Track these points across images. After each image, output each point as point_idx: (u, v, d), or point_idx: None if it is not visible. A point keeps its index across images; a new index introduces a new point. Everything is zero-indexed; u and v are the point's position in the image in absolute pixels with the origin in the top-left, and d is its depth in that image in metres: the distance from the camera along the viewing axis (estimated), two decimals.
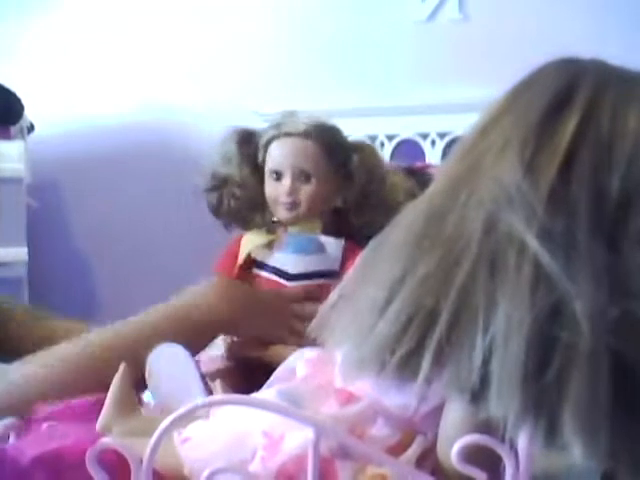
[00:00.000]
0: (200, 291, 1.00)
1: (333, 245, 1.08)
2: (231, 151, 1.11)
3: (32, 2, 2.32)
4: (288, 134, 1.09)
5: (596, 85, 0.54)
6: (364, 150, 1.13)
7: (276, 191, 1.08)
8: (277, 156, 1.09)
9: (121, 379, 0.82)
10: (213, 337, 0.99)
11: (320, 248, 1.07)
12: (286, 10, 2.21)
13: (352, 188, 1.10)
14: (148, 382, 0.85)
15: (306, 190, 1.08)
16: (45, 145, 2.23)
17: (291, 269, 1.06)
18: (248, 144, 1.12)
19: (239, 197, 1.10)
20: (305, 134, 1.09)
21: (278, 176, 1.09)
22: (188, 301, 0.98)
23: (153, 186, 2.28)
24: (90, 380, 0.86)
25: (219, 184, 1.11)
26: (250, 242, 1.08)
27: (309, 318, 0.96)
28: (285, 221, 1.09)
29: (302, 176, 1.08)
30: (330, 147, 1.09)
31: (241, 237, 1.11)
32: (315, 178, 1.08)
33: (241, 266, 1.08)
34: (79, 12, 2.31)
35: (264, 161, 1.11)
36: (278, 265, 1.07)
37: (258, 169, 1.11)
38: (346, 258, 1.06)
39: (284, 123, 1.10)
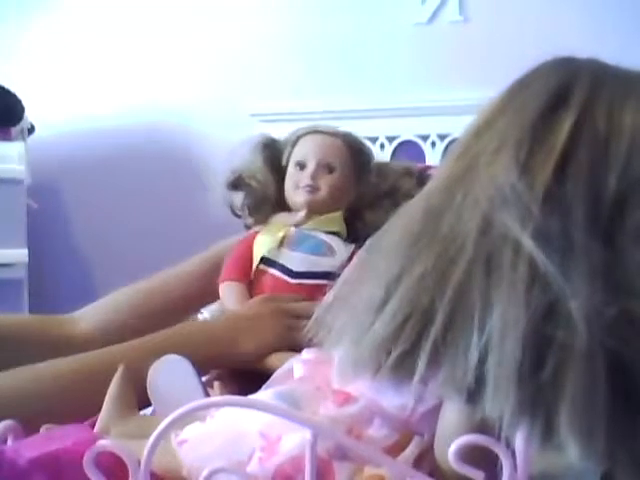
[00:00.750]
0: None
1: (343, 249, 1.08)
2: (254, 153, 1.15)
3: (32, 2, 2.32)
4: (318, 131, 1.15)
5: (591, 84, 0.54)
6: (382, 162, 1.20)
7: (298, 177, 1.12)
8: (303, 148, 1.13)
9: (119, 380, 0.81)
10: (216, 360, 0.97)
11: (330, 251, 1.08)
12: (286, 12, 2.21)
13: (368, 186, 1.14)
14: (149, 394, 0.85)
15: (327, 179, 1.11)
16: (45, 146, 2.23)
17: (296, 267, 1.06)
18: (271, 148, 1.16)
19: (257, 190, 1.12)
20: (334, 133, 1.15)
21: (302, 167, 1.12)
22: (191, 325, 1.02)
23: (153, 187, 2.28)
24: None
25: (239, 182, 1.14)
26: (263, 246, 1.09)
27: (303, 316, 0.98)
28: (304, 205, 1.10)
29: (326, 168, 1.11)
30: (356, 149, 1.15)
31: (249, 240, 1.11)
32: (338, 171, 1.11)
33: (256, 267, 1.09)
34: (79, 13, 2.31)
35: (288, 161, 1.14)
36: (284, 262, 1.07)
37: (279, 171, 1.14)
38: (349, 263, 1.07)
39: (313, 126, 1.15)
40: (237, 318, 1.01)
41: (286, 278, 1.06)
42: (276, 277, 1.07)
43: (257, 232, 1.12)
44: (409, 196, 1.11)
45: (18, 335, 1.08)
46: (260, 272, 1.08)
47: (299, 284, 1.06)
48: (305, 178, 1.10)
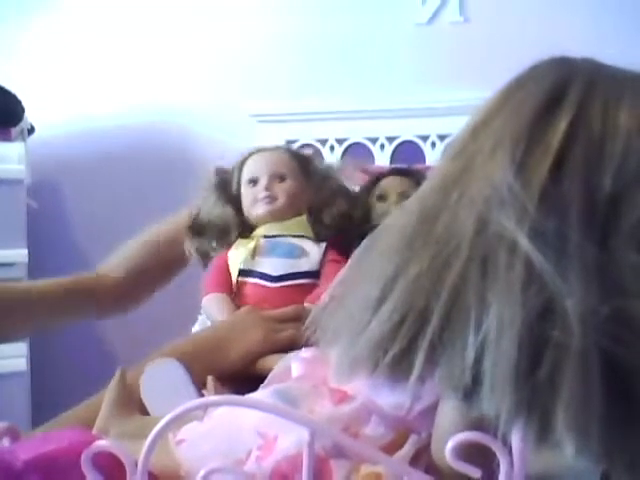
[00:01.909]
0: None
1: (315, 249, 1.10)
2: (208, 190, 1.20)
3: (32, 2, 2.32)
4: (260, 150, 1.20)
5: (587, 84, 0.54)
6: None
7: (253, 193, 1.15)
8: (252, 166, 1.18)
9: (118, 382, 0.82)
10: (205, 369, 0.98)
11: (303, 252, 1.10)
12: (286, 12, 2.21)
13: (321, 187, 1.18)
14: (143, 398, 0.85)
15: (281, 187, 1.15)
16: (45, 146, 2.23)
17: (274, 271, 1.08)
18: (222, 179, 1.21)
19: (218, 224, 1.17)
20: (277, 148, 1.23)
21: (254, 182, 1.16)
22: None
23: (153, 188, 2.28)
24: None
25: (198, 223, 1.19)
26: (237, 258, 1.11)
27: (285, 320, 1.00)
28: (266, 216, 1.14)
29: (277, 177, 1.16)
30: (300, 156, 1.21)
31: (223, 256, 1.13)
32: (289, 178, 1.16)
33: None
34: (79, 13, 2.31)
35: (239, 185, 1.18)
36: (262, 269, 1.08)
37: (235, 198, 1.18)
38: (325, 259, 1.10)
39: (255, 148, 1.22)
40: (221, 327, 1.03)
41: (266, 283, 1.08)
42: (256, 284, 1.08)
43: (225, 252, 1.14)
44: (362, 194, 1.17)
45: (61, 302, 1.20)
46: (240, 284, 1.09)
47: (280, 287, 1.07)
48: (260, 191, 1.14)
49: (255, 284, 1.08)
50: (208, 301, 1.10)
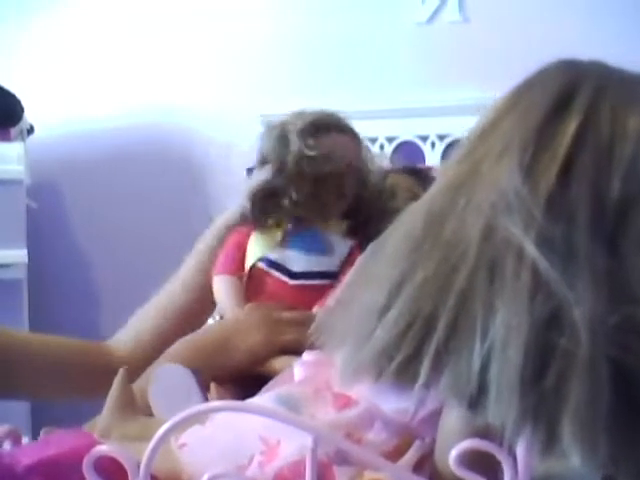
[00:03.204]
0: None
1: (342, 246, 1.08)
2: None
3: (32, 2, 2.32)
4: (342, 130, 1.13)
5: (596, 88, 0.53)
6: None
7: None
8: (331, 146, 1.09)
9: (120, 383, 0.81)
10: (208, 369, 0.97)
11: (329, 249, 1.07)
12: (287, 12, 2.21)
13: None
14: (150, 403, 0.85)
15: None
16: (45, 147, 2.23)
17: (295, 267, 1.06)
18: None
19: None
20: (354, 134, 1.15)
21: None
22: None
23: (153, 188, 2.27)
24: None
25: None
26: (261, 244, 1.08)
27: (291, 323, 0.99)
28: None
29: None
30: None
31: (241, 236, 1.10)
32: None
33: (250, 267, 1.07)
34: (79, 13, 2.31)
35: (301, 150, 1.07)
36: (283, 262, 1.06)
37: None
38: (347, 260, 1.07)
39: (330, 116, 1.13)
40: (225, 327, 1.03)
41: (286, 279, 1.05)
42: (276, 279, 1.06)
43: (248, 228, 1.11)
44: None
45: (63, 362, 1.10)
46: (259, 271, 1.07)
47: (298, 285, 1.05)
48: None
49: (275, 278, 1.06)
50: (218, 284, 1.08)
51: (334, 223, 1.10)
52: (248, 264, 1.07)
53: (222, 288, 1.07)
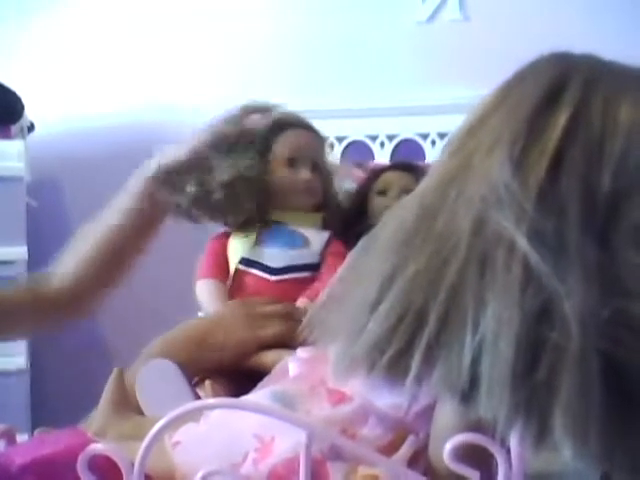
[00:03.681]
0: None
1: (317, 238, 1.09)
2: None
3: (32, 2, 2.32)
4: (305, 127, 1.15)
5: (587, 80, 0.53)
6: None
7: (295, 178, 1.11)
8: (294, 143, 1.13)
9: (115, 382, 0.81)
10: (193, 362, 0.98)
11: (305, 242, 1.08)
12: (287, 11, 2.20)
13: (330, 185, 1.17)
14: (139, 399, 0.85)
15: (316, 177, 1.13)
16: (45, 144, 2.23)
17: (274, 263, 1.06)
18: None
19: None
20: (315, 131, 1.17)
21: (293, 165, 1.12)
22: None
23: None
24: None
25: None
26: (240, 247, 1.09)
27: (273, 316, 0.99)
28: (304, 208, 1.11)
29: (313, 165, 1.13)
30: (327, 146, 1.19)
31: (222, 240, 1.12)
32: (321, 167, 1.14)
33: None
34: (79, 12, 2.31)
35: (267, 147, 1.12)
36: (262, 260, 1.07)
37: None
38: (326, 251, 1.08)
39: (290, 115, 1.15)
40: (207, 322, 1.02)
41: (267, 276, 1.07)
42: (257, 277, 1.07)
43: (227, 233, 1.12)
44: None
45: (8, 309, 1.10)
46: (241, 273, 1.08)
47: (280, 280, 1.06)
48: (303, 182, 1.12)
49: (256, 276, 1.07)
50: (201, 287, 1.09)
51: (308, 216, 1.11)
52: (232, 269, 1.08)
53: (205, 290, 1.08)
